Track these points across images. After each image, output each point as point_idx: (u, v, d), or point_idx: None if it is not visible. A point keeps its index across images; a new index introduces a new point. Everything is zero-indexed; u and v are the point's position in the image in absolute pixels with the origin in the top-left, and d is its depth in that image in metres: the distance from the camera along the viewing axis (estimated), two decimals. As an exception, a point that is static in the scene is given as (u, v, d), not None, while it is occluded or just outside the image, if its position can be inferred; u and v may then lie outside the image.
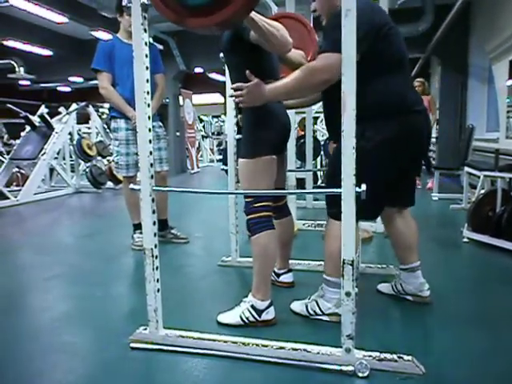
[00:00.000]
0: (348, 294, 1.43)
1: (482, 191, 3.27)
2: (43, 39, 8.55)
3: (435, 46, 6.88)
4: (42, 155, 5.72)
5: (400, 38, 1.74)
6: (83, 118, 7.86)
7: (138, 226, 3.14)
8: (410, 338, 1.72)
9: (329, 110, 1.89)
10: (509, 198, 3.00)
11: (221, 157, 10.16)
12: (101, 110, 7.94)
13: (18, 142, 6.14)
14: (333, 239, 1.70)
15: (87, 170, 6.41)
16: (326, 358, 1.49)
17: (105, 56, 3.02)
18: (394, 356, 1.47)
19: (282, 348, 1.56)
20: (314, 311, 1.86)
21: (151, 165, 1.63)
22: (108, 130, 6.83)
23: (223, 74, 2.49)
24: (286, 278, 2.26)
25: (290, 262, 2.33)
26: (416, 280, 2.01)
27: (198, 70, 9.48)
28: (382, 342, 1.65)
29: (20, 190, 5.57)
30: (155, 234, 1.66)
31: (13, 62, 8.88)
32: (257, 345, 1.58)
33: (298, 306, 1.94)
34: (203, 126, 13.26)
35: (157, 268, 1.66)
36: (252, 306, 1.80)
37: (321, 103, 2.10)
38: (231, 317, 1.84)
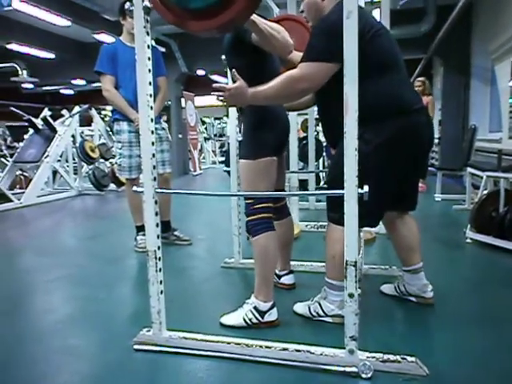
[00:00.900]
0: (351, 296, 1.43)
1: (485, 192, 3.26)
2: (46, 42, 8.58)
3: (437, 47, 6.87)
4: (45, 158, 5.74)
5: (390, 40, 1.73)
6: (86, 121, 7.89)
7: (140, 228, 3.14)
8: (414, 339, 1.72)
9: (325, 116, 1.89)
10: (511, 199, 2.99)
11: (223, 158, 10.19)
12: (103, 112, 7.98)
13: (21, 144, 6.16)
14: (334, 242, 1.70)
15: (90, 172, 6.42)
16: (330, 360, 1.49)
17: (108, 59, 3.04)
18: (398, 357, 1.47)
19: (285, 349, 1.56)
20: (317, 313, 1.86)
21: (154, 167, 1.63)
22: (111, 133, 6.85)
23: (225, 75, 2.49)
24: (287, 279, 2.26)
25: (293, 263, 2.33)
26: (419, 281, 2.00)
27: (200, 72, 9.50)
28: (385, 343, 1.65)
29: (23, 193, 5.59)
30: (158, 236, 1.66)
31: (16, 66, 8.92)
32: (260, 346, 1.59)
33: (300, 308, 1.94)
34: (205, 128, 13.30)
35: (160, 270, 1.67)
36: (255, 308, 1.80)
37: None
38: (234, 318, 1.84)
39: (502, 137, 5.23)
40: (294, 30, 1.91)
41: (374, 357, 1.47)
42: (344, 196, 1.40)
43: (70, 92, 14.46)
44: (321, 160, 5.99)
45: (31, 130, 6.23)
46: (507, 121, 5.11)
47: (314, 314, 1.87)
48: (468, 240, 3.10)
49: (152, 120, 1.62)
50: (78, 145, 6.44)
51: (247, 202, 1.85)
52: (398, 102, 1.69)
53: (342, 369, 1.44)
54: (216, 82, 1.67)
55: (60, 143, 6.00)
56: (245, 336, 1.69)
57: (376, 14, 5.69)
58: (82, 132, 7.08)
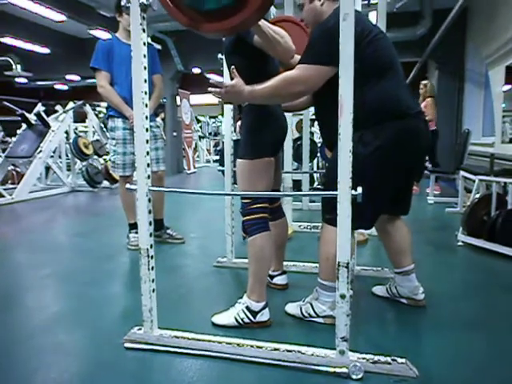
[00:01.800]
0: (343, 297, 1.43)
1: (477, 195, 3.28)
2: (41, 37, 8.52)
3: (432, 51, 6.92)
4: (38, 153, 5.70)
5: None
6: (80, 117, 7.84)
7: (133, 226, 3.14)
8: (404, 340, 1.73)
9: (323, 119, 1.90)
10: (503, 203, 3.02)
11: (217, 157, 10.17)
12: (98, 108, 7.93)
13: (13, 139, 6.11)
14: (328, 244, 1.71)
15: (83, 168, 6.39)
16: (320, 360, 1.49)
17: (103, 55, 3.02)
18: (388, 358, 1.48)
19: (276, 349, 1.56)
20: (309, 313, 1.87)
21: (148, 165, 1.63)
22: (105, 129, 6.81)
23: (221, 74, 2.49)
24: (280, 279, 2.26)
25: (285, 263, 2.33)
26: (410, 283, 2.01)
27: (196, 70, 9.48)
28: (376, 344, 1.66)
29: (15, 188, 5.55)
30: (151, 234, 1.66)
31: (10, 60, 8.85)
32: (251, 346, 1.59)
33: (292, 308, 1.94)
34: (200, 127, 13.27)
35: (152, 268, 1.66)
36: (247, 308, 1.80)
37: None
38: (226, 318, 1.84)
39: (494, 141, 5.27)
40: (292, 32, 1.91)
41: (364, 358, 1.48)
42: (337, 197, 1.40)
43: (65, 87, 14.37)
44: (315, 161, 6.00)
45: (24, 125, 6.18)
46: (500, 125, 5.16)
47: (306, 314, 1.87)
48: (460, 243, 3.12)
49: (147, 117, 1.62)
50: (71, 141, 6.40)
51: (244, 201, 1.85)
52: (397, 106, 1.70)
53: (332, 369, 1.45)
54: (211, 80, 1.67)
55: (53, 139, 5.96)
56: (236, 335, 1.69)
57: (372, 16, 5.73)
58: (76, 128, 7.04)
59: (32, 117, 6.09)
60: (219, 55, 2.01)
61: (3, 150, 5.89)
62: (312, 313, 1.86)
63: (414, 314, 1.97)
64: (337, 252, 1.43)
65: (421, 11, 6.49)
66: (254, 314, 1.80)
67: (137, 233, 1.67)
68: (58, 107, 6.72)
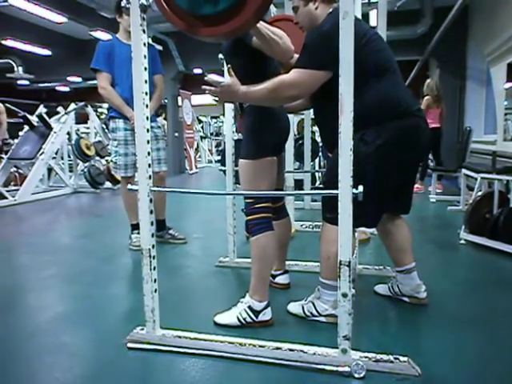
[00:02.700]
0: (345, 295, 1.43)
1: (480, 193, 3.28)
2: (42, 39, 8.54)
3: (433, 49, 6.90)
4: (40, 155, 5.71)
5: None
6: (82, 118, 7.86)
7: (135, 227, 3.14)
8: (406, 339, 1.73)
9: (323, 121, 1.91)
10: (506, 200, 3.01)
11: (219, 157, 10.17)
12: (99, 110, 7.96)
13: (16, 141, 6.13)
14: (329, 243, 1.71)
15: (85, 170, 6.40)
16: (323, 359, 1.49)
17: (104, 56, 3.03)
18: (390, 357, 1.48)
19: (278, 349, 1.56)
20: (311, 312, 1.87)
21: (149, 165, 1.63)
22: (106, 130, 6.82)
23: (222, 74, 2.49)
24: (282, 279, 2.26)
25: (288, 263, 2.33)
26: (412, 281, 2.01)
27: (197, 70, 9.48)
28: (378, 343, 1.66)
29: (18, 190, 5.56)
30: (153, 235, 1.66)
31: (11, 62, 8.87)
32: (254, 345, 1.59)
33: (294, 308, 1.94)
34: (202, 127, 13.27)
35: (154, 268, 1.67)
36: (249, 307, 1.80)
37: None
38: (228, 317, 1.84)
39: (496, 139, 5.26)
40: (291, 31, 1.91)
41: (366, 356, 1.48)
42: (338, 196, 1.40)
43: (66, 89, 14.41)
44: (317, 160, 6.00)
45: (26, 127, 6.20)
46: (502, 123, 5.15)
47: (308, 313, 1.88)
48: (462, 241, 3.11)
49: (147, 118, 1.62)
50: (73, 142, 6.42)
51: (247, 201, 1.85)
52: (397, 105, 1.71)
53: (334, 368, 1.45)
54: (207, 78, 1.66)
55: (55, 140, 5.97)
56: (238, 335, 1.69)
57: (373, 15, 5.72)
58: (78, 129, 7.05)
59: (34, 118, 6.11)
60: (220, 55, 2.01)
61: (6, 152, 5.89)
62: (314, 312, 1.86)
63: (417, 313, 1.97)
64: (338, 251, 1.43)
65: (421, 9, 6.48)
66: (257, 313, 1.80)
67: (139, 233, 1.68)
68: (59, 109, 6.74)
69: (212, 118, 15.51)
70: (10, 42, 8.09)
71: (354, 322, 1.48)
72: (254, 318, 1.80)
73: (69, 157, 6.72)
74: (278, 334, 1.73)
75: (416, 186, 3.34)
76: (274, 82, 1.62)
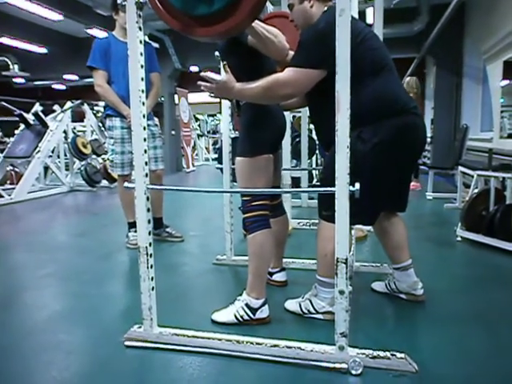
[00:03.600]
0: (342, 292, 1.44)
1: (476, 190, 3.29)
2: (38, 37, 8.50)
3: (430, 46, 6.91)
4: (37, 153, 5.69)
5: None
6: (78, 116, 7.83)
7: (132, 225, 3.13)
8: (403, 335, 1.74)
9: (318, 119, 1.91)
10: (502, 198, 3.02)
11: (216, 156, 10.17)
12: (96, 108, 7.91)
13: (11, 139, 6.10)
14: (325, 240, 1.71)
15: (82, 168, 6.38)
16: (320, 356, 1.49)
17: (100, 54, 3.01)
18: (388, 354, 1.48)
19: (276, 346, 1.56)
20: (308, 310, 1.87)
21: (146, 163, 1.63)
22: (103, 129, 6.80)
23: (219, 72, 2.48)
24: (279, 276, 2.27)
25: (285, 260, 2.34)
26: (409, 278, 2.02)
27: (194, 68, 9.46)
28: (375, 339, 1.66)
29: (14, 189, 5.54)
30: (150, 233, 1.66)
31: (7, 60, 8.83)
32: (251, 343, 1.59)
33: (292, 305, 1.94)
34: (199, 125, 13.26)
35: (151, 266, 1.66)
36: (246, 305, 1.81)
37: None
38: (226, 315, 1.84)
39: (493, 136, 5.28)
40: (287, 28, 1.91)
41: (363, 353, 1.48)
42: (335, 193, 1.40)
43: (62, 87, 14.35)
44: (314, 158, 6.00)
45: (22, 125, 6.17)
46: (498, 120, 5.16)
47: (305, 311, 1.88)
48: (458, 238, 3.12)
49: (144, 116, 1.62)
50: (69, 140, 6.39)
51: (244, 199, 1.85)
52: (394, 103, 1.71)
53: (332, 365, 1.45)
54: (202, 74, 1.66)
55: (51, 139, 5.95)
56: (236, 332, 1.69)
57: (369, 12, 5.72)
58: (74, 128, 7.03)
59: (30, 117, 6.07)
60: (216, 53, 2.00)
61: (1, 151, 5.87)
62: (311, 309, 1.86)
63: (413, 309, 1.97)
64: (335, 248, 1.43)
65: (418, 7, 6.48)
66: (254, 310, 1.80)
67: (136, 231, 1.67)
68: (55, 107, 6.70)
69: (209, 116, 15.50)
70: (5, 40, 8.05)
71: (351, 319, 1.48)
72: (252, 316, 1.80)
73: (65, 155, 6.69)
74: (275, 331, 1.74)
75: (412, 183, 3.34)
76: (269, 80, 1.61)
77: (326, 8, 1.74)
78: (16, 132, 6.33)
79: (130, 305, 2.11)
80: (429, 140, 6.88)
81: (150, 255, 1.66)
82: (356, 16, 2.78)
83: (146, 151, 1.62)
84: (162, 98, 8.98)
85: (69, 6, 6.49)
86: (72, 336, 1.81)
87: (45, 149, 5.80)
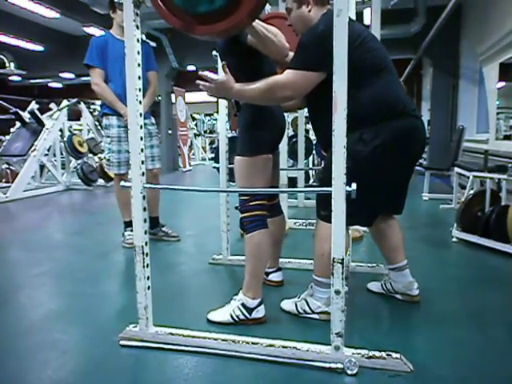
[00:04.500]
0: (337, 292, 1.44)
1: (472, 191, 3.30)
2: (34, 34, 8.46)
3: (427, 48, 6.93)
4: (32, 152, 5.66)
5: (378, 45, 1.76)
6: (74, 115, 7.80)
7: (129, 224, 3.12)
8: (399, 336, 1.74)
9: (317, 120, 1.91)
10: (497, 199, 3.04)
11: (213, 155, 10.15)
12: (92, 106, 7.89)
13: (7, 138, 6.07)
14: (323, 240, 1.71)
15: (78, 167, 6.35)
16: (316, 356, 1.50)
17: (98, 52, 3.00)
18: (383, 354, 1.49)
19: (271, 346, 1.56)
20: (304, 310, 1.87)
21: (142, 162, 1.62)
22: (99, 127, 6.78)
23: (216, 72, 2.48)
24: (275, 276, 2.27)
25: (281, 260, 2.34)
26: (404, 279, 2.03)
27: (191, 67, 9.44)
28: (370, 339, 1.66)
29: (9, 187, 5.51)
30: (146, 232, 1.65)
31: (3, 57, 8.78)
32: (247, 342, 1.59)
33: (288, 305, 1.94)
34: (195, 124, 13.23)
35: (147, 265, 1.66)
36: (242, 304, 1.80)
37: None
38: (222, 315, 1.84)
39: (489, 138, 5.30)
40: (285, 28, 1.91)
41: (359, 353, 1.49)
42: (332, 193, 1.40)
43: (59, 85, 14.29)
44: (310, 158, 6.01)
45: (18, 124, 6.14)
46: (494, 122, 5.19)
47: (301, 311, 1.88)
48: (454, 239, 3.14)
49: (141, 115, 1.61)
50: (66, 139, 6.36)
51: (242, 198, 1.85)
52: (395, 104, 1.71)
53: (327, 365, 1.45)
54: (201, 73, 1.66)
55: (48, 137, 5.92)
56: (232, 332, 1.69)
57: (367, 13, 5.73)
58: (71, 126, 7.00)
59: (26, 115, 6.05)
60: (214, 52, 2.00)
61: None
62: (307, 309, 1.86)
63: (409, 310, 1.98)
64: (331, 249, 1.43)
65: (415, 8, 6.49)
66: (250, 310, 1.80)
67: (132, 231, 1.67)
68: (52, 105, 6.68)
69: (206, 115, 15.47)
70: (1, 38, 8.01)
71: (347, 319, 1.48)
72: (248, 316, 1.80)
73: (61, 154, 6.66)
74: (271, 331, 1.74)
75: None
76: (268, 81, 1.62)
77: (324, 11, 1.74)
78: (12, 130, 6.30)
79: (125, 304, 2.10)
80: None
81: (146, 254, 1.65)
82: (353, 17, 2.79)
83: (142, 150, 1.62)
84: (159, 97, 8.96)
85: (66, 4, 6.47)
86: (67, 335, 1.80)
87: (41, 147, 5.77)
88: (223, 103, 2.64)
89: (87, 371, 1.51)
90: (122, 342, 1.67)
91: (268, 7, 3.64)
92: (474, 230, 3.02)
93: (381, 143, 1.66)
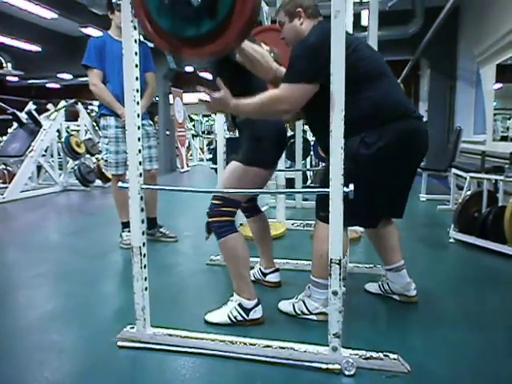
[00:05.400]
0: (335, 293, 1.44)
1: (469, 192, 3.31)
2: (32, 35, 8.44)
3: (425, 49, 6.96)
4: (30, 152, 5.65)
5: (372, 52, 1.78)
6: (72, 116, 7.79)
7: (126, 225, 3.12)
8: (396, 336, 1.74)
9: (315, 126, 1.91)
10: (494, 200, 3.05)
11: (211, 156, 10.15)
12: (90, 107, 7.87)
13: (4, 138, 6.06)
14: (321, 241, 1.70)
15: (75, 167, 6.34)
16: (313, 357, 1.50)
17: (96, 52, 3.00)
18: (380, 354, 1.49)
19: (269, 346, 1.56)
20: (301, 311, 1.87)
21: (140, 163, 1.62)
22: (97, 128, 6.77)
23: (213, 72, 2.48)
24: (273, 277, 2.26)
25: (278, 261, 2.34)
26: (402, 279, 2.03)
27: (189, 68, 9.44)
28: (368, 340, 1.66)
29: (6, 188, 5.49)
30: (143, 233, 1.65)
31: (0, 58, 8.76)
32: (244, 343, 1.59)
33: (285, 306, 1.94)
34: (193, 125, 13.24)
35: (145, 266, 1.66)
36: (240, 305, 1.80)
37: None
38: (219, 316, 1.84)
39: (485, 139, 5.32)
40: (279, 42, 1.92)
41: (356, 354, 1.49)
42: (330, 194, 1.41)
43: (56, 86, 14.26)
44: (308, 159, 6.01)
45: (15, 124, 6.12)
46: (491, 123, 5.21)
47: (299, 311, 1.88)
48: (451, 240, 3.14)
49: (138, 115, 1.61)
50: (63, 140, 6.35)
51: (215, 202, 1.84)
52: (396, 107, 1.71)
53: (325, 366, 1.46)
54: (204, 80, 1.68)
55: (45, 138, 5.91)
56: (229, 333, 1.69)
57: (364, 15, 5.74)
58: (68, 127, 6.99)
59: (23, 115, 6.03)
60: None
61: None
62: (305, 310, 1.86)
63: (407, 311, 1.98)
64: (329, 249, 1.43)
65: (413, 9, 6.52)
66: (247, 311, 1.80)
67: (129, 231, 1.67)
68: (49, 106, 6.66)
69: (204, 116, 15.48)
70: (-1, 38, 8.00)
71: (345, 320, 1.49)
72: (245, 316, 1.80)
73: (59, 154, 6.65)
74: (268, 332, 1.74)
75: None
76: (266, 96, 1.63)
77: (315, 23, 1.76)
78: (9, 131, 6.28)
79: (123, 305, 2.10)
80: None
81: (144, 255, 1.65)
82: (351, 18, 2.80)
83: (140, 151, 1.62)
84: (157, 98, 8.96)
85: (63, 5, 6.46)
86: (64, 336, 1.80)
87: (38, 148, 5.76)
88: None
89: (84, 372, 1.51)
90: (120, 343, 1.66)
91: (265, 8, 3.65)
92: (471, 230, 3.03)
93: (384, 145, 1.65)
